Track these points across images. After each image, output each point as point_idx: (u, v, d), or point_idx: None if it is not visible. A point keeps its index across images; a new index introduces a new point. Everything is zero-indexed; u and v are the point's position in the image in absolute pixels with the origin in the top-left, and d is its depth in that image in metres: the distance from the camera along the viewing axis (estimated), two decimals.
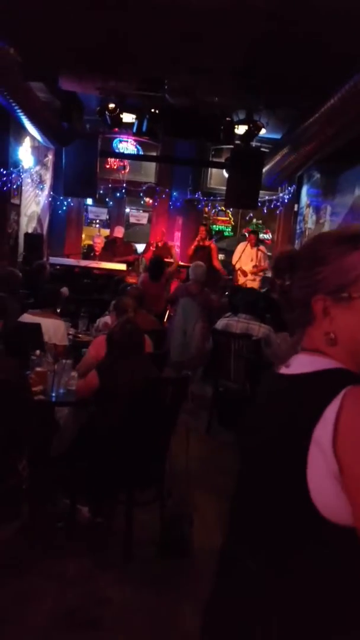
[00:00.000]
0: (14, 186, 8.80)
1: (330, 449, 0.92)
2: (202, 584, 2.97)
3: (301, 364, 1.07)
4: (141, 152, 11.62)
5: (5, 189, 8.37)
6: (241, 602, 1.08)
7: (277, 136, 9.06)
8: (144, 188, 11.56)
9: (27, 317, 4.48)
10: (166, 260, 8.43)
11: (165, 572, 3.11)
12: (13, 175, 8.60)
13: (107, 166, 11.55)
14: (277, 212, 11.50)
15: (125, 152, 11.46)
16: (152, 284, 7.43)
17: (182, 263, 9.19)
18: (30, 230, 9.92)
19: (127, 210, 12.78)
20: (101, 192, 11.01)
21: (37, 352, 3.71)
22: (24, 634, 2.57)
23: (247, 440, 1.16)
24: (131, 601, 2.84)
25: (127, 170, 11.74)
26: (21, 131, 8.69)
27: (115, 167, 11.76)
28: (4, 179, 8.27)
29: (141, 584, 2.98)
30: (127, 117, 8.43)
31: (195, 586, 3.02)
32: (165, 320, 7.77)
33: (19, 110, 7.14)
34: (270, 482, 1.05)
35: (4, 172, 8.25)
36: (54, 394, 3.43)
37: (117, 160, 11.69)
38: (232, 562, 1.14)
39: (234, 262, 9.98)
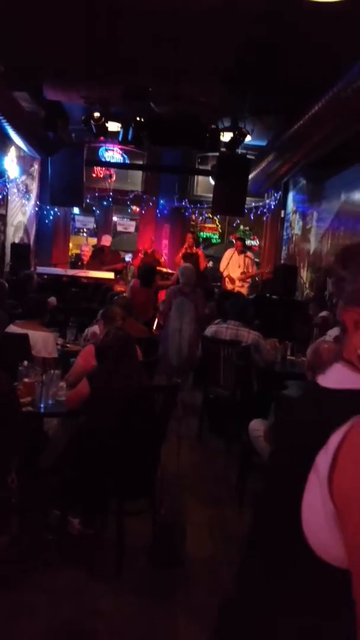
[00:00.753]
0: (0, 196, 8.76)
1: (325, 480, 0.84)
2: (195, 594, 2.96)
3: (334, 375, 0.99)
4: (127, 161, 11.64)
5: None
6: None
7: (263, 143, 9.11)
8: (130, 196, 11.57)
9: (13, 328, 4.42)
10: (158, 268, 8.47)
11: (158, 582, 3.08)
12: None
13: (94, 175, 11.55)
14: (264, 218, 11.56)
15: (112, 160, 11.48)
16: (142, 290, 7.43)
17: (170, 270, 9.21)
18: (17, 240, 9.88)
19: (115, 218, 12.79)
20: (88, 201, 11.02)
21: (25, 362, 3.68)
22: None
23: (272, 448, 1.10)
24: (125, 612, 2.80)
25: (113, 178, 11.75)
26: (6, 141, 8.67)
27: (101, 175, 11.76)
28: None
29: (134, 595, 2.94)
30: (113, 126, 8.45)
31: (189, 596, 3.00)
32: (154, 328, 7.77)
33: (3, 121, 7.12)
34: (273, 499, 0.99)
35: None
36: (42, 405, 3.39)
37: (104, 169, 11.69)
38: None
39: (221, 269, 10.01)
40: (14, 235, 9.83)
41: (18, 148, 9.18)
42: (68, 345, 5.30)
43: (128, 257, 11.33)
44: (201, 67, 6.45)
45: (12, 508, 3.01)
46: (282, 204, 11.21)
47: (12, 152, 9.20)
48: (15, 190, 9.62)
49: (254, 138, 8.66)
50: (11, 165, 9.21)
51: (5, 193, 9.01)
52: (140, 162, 11.67)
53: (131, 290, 7.49)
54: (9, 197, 9.31)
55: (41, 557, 3.18)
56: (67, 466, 3.29)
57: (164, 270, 9.56)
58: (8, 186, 9.09)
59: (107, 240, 10.42)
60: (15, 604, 2.78)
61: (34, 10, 5.24)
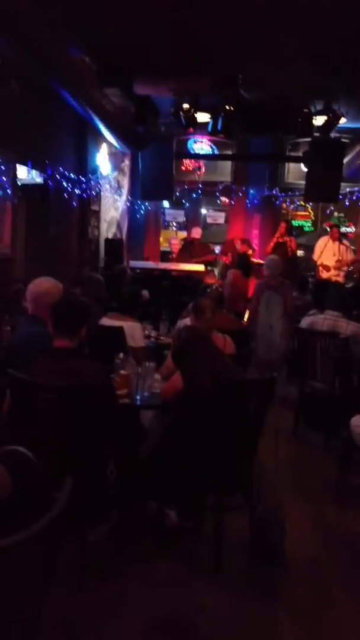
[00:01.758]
0: (94, 193, 8.98)
1: None
2: (296, 593, 2.87)
3: None
4: (216, 152, 11.55)
5: (85, 195, 8.55)
6: None
7: (358, 125, 8.69)
8: (220, 188, 11.47)
9: (105, 321, 4.51)
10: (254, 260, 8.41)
11: (257, 581, 3.01)
12: (92, 182, 8.78)
13: (183, 168, 11.57)
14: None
15: (200, 152, 11.44)
16: (243, 280, 7.38)
17: (260, 261, 9.04)
18: (110, 236, 10.11)
19: (204, 211, 12.75)
20: (177, 194, 11.04)
21: (121, 355, 3.71)
22: (120, 639, 2.56)
23: None
24: (225, 609, 2.76)
25: (202, 170, 11.71)
26: (98, 138, 8.86)
27: (190, 168, 11.76)
28: (84, 186, 8.44)
29: (234, 592, 2.89)
30: (202, 117, 8.39)
31: (290, 595, 2.90)
32: (245, 319, 7.66)
33: (96, 118, 7.28)
34: None
35: (83, 179, 8.43)
36: (138, 397, 3.41)
37: (193, 161, 11.67)
38: None
39: (315, 257, 9.68)
40: (107, 231, 10.06)
41: (109, 144, 9.36)
42: (162, 337, 5.33)
43: (217, 249, 11.26)
44: (292, 49, 6.23)
45: (111, 499, 3.05)
46: None
47: (104, 149, 9.39)
48: (107, 186, 9.82)
49: (349, 120, 8.27)
50: (103, 162, 9.41)
51: (98, 189, 9.22)
52: (230, 152, 11.54)
53: (233, 281, 7.38)
54: (102, 193, 9.52)
55: (140, 548, 3.21)
56: (162, 458, 3.29)
57: (255, 260, 9.41)
58: (101, 182, 9.29)
59: (197, 232, 10.40)
60: (116, 593, 2.81)
61: (122, 5, 5.26)
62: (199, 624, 2.65)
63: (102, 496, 2.93)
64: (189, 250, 10.00)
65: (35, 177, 7.29)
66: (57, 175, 7.55)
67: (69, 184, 7.94)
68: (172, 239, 10.92)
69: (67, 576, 2.72)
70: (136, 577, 2.95)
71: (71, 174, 8.04)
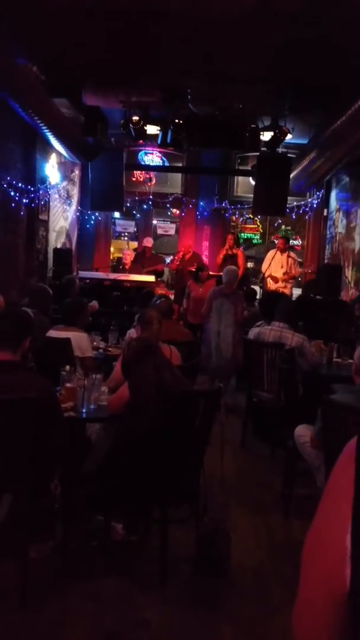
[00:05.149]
0: (42, 202, 8.88)
1: None
2: (241, 604, 2.88)
3: None
4: (167, 164, 11.63)
5: (33, 205, 8.45)
6: None
7: (304, 141, 8.94)
8: (170, 199, 11.55)
9: (52, 333, 4.46)
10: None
11: (203, 592, 3.01)
12: (40, 192, 8.68)
13: (133, 179, 11.59)
14: (306, 217, 11.36)
15: (151, 164, 11.49)
16: (197, 287, 7.52)
17: (211, 273, 9.13)
18: (59, 246, 9.99)
19: (155, 222, 12.79)
20: (128, 205, 11.05)
21: (67, 367, 3.67)
22: None
23: None
24: (170, 622, 2.74)
25: (153, 182, 11.76)
26: (47, 148, 8.77)
27: (141, 179, 11.79)
28: (32, 195, 8.34)
29: (179, 605, 2.88)
30: (152, 129, 8.43)
31: (235, 606, 2.91)
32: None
33: (44, 127, 7.21)
34: None
35: (32, 188, 8.33)
36: (84, 410, 3.37)
37: (143, 172, 11.72)
38: None
39: (263, 269, 9.85)
40: (56, 241, 9.94)
41: (59, 154, 9.28)
42: (110, 349, 5.29)
43: (168, 260, 11.31)
44: (240, 68, 6.36)
45: (55, 514, 3.00)
46: (325, 202, 10.99)
47: (53, 159, 9.31)
48: (56, 196, 9.73)
49: (295, 136, 8.49)
50: (52, 171, 9.32)
51: (47, 199, 9.13)
52: (180, 165, 11.64)
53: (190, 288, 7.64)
54: (51, 203, 9.42)
55: (85, 564, 3.16)
56: (109, 471, 3.26)
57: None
58: (50, 192, 9.20)
59: (148, 241, 10.42)
60: (59, 611, 2.76)
61: (73, 18, 5.26)
62: (143, 638, 2.63)
63: (45, 511, 2.88)
64: (141, 261, 10.01)
65: None
66: (4, 185, 7.43)
67: (17, 194, 7.83)
68: (125, 249, 10.91)
69: (8, 595, 2.66)
70: (80, 594, 2.90)
71: (19, 183, 7.93)
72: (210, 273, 9.11)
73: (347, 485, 0.76)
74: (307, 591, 0.82)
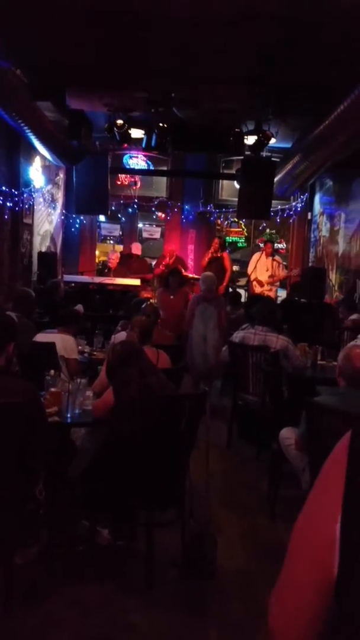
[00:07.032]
0: (26, 206, 8.84)
1: None
2: (227, 606, 2.88)
3: None
4: (152, 167, 11.65)
5: (17, 209, 8.41)
6: None
7: (288, 145, 9.00)
8: (155, 203, 11.56)
9: (39, 337, 4.47)
10: (184, 274, 8.45)
11: (189, 595, 3.01)
12: (25, 195, 8.64)
13: (118, 182, 11.59)
14: (290, 221, 11.43)
15: (136, 167, 11.50)
16: (167, 296, 7.41)
17: (196, 276, 9.15)
18: (43, 249, 9.95)
19: (140, 225, 12.80)
20: (113, 208, 11.03)
21: (52, 371, 3.65)
22: None
23: None
24: (156, 626, 2.74)
25: (138, 185, 11.76)
26: (31, 151, 8.74)
27: (126, 183, 11.79)
28: (16, 199, 8.30)
29: (165, 608, 2.88)
30: (136, 133, 8.44)
31: (221, 608, 2.92)
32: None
33: (28, 131, 7.18)
34: None
35: (16, 192, 8.29)
36: (69, 415, 3.35)
37: (128, 176, 11.72)
38: None
39: (249, 272, 9.91)
40: (40, 244, 9.90)
41: (43, 157, 9.25)
42: (95, 352, 5.28)
43: (154, 263, 11.31)
44: (223, 71, 6.39)
45: (40, 520, 2.98)
46: (309, 206, 11.07)
47: (37, 162, 9.27)
48: (41, 199, 9.69)
49: (279, 140, 8.54)
50: (36, 174, 9.29)
51: (31, 203, 9.09)
52: (165, 168, 11.66)
53: (159, 298, 7.48)
54: (35, 207, 9.38)
55: (71, 569, 3.14)
56: (94, 476, 3.25)
57: (190, 275, 9.50)
58: (34, 196, 9.16)
59: (137, 248, 10.34)
60: (44, 617, 2.74)
61: (56, 20, 5.25)
62: None
63: (30, 517, 2.86)
64: (127, 265, 9.98)
65: None
66: None
67: (0, 197, 7.79)
68: (110, 252, 10.89)
69: None
70: (66, 599, 2.88)
71: (3, 187, 7.88)
72: (195, 276, 9.12)
73: (339, 474, 0.78)
74: (292, 574, 0.84)
